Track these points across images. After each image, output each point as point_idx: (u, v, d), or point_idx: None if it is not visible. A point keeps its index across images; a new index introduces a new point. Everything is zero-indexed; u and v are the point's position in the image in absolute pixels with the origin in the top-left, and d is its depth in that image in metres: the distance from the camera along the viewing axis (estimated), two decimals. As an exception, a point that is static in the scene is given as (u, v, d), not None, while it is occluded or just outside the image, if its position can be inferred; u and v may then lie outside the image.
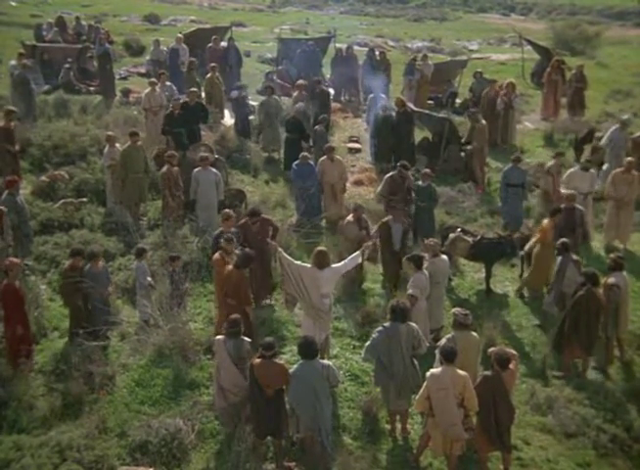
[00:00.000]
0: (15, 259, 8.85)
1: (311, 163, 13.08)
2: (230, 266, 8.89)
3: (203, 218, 12.00)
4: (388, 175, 12.51)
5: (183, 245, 11.28)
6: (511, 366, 7.28)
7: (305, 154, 13.16)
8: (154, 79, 16.33)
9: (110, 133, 13.09)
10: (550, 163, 13.46)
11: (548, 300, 10.13)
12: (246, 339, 7.76)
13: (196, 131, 14.75)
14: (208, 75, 17.67)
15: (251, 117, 17.09)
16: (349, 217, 11.07)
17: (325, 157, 13.02)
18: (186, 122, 14.43)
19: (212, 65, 18.02)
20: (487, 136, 15.38)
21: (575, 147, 16.57)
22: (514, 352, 7.62)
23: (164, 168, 12.17)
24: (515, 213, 12.76)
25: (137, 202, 12.77)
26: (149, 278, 9.80)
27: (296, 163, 13.01)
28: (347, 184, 15.16)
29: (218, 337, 7.83)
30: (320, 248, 9.17)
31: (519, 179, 12.77)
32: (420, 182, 12.13)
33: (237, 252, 9.22)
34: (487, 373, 7.28)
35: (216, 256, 9.25)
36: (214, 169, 12.30)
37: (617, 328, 9.35)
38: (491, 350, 7.47)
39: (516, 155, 13.44)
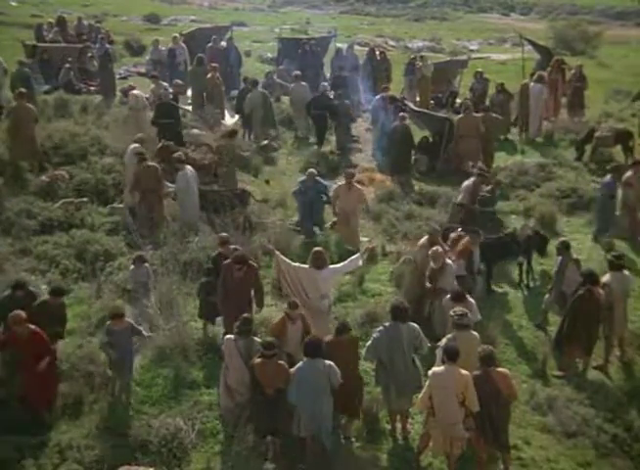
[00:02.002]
0: (18, 313, 7.76)
1: (318, 178, 12.40)
2: (330, 336, 7.86)
3: (181, 216, 12.15)
4: (468, 183, 12.14)
5: (183, 245, 11.27)
6: (502, 370, 7.30)
7: (312, 171, 12.56)
8: (132, 84, 17.36)
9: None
10: (628, 173, 12.80)
11: (548, 299, 10.13)
12: (256, 339, 7.75)
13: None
14: (209, 75, 17.67)
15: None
16: (423, 240, 10.18)
17: (343, 183, 12.27)
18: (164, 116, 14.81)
19: (214, 65, 18.03)
20: (477, 128, 15.26)
21: (577, 147, 16.59)
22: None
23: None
24: (611, 222, 12.61)
25: None
26: (131, 286, 9.84)
27: (301, 179, 12.62)
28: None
29: (229, 336, 7.83)
30: (317, 248, 9.17)
31: (615, 190, 12.62)
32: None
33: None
34: (476, 372, 7.28)
35: (279, 319, 8.32)
36: (190, 167, 12.32)
37: (612, 327, 9.32)
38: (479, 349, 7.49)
39: (613, 165, 13.44)
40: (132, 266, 10.02)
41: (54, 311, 8.33)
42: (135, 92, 16.26)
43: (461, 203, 12.09)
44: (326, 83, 17.68)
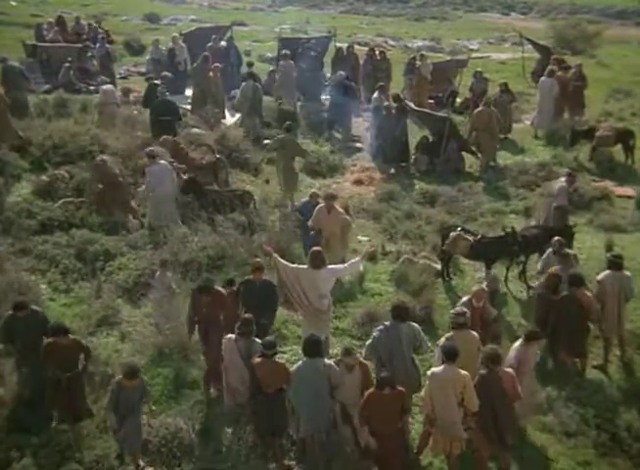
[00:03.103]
0: None
1: (320, 200, 11.42)
2: (371, 390, 7.13)
3: (153, 214, 12.15)
4: (562, 185, 12.06)
5: (183, 244, 11.28)
6: (508, 370, 7.29)
7: (315, 191, 11.90)
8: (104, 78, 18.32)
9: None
10: None
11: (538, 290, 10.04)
12: (256, 340, 7.76)
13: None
14: (210, 75, 17.66)
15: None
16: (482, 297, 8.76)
17: (323, 204, 10.97)
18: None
19: (216, 65, 18.03)
20: (486, 122, 15.69)
21: (571, 142, 16.55)
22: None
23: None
24: None
25: None
26: (157, 292, 9.60)
27: (304, 200, 11.97)
28: (347, 183, 15.20)
29: (229, 335, 7.83)
30: (315, 248, 9.18)
31: None
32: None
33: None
34: (483, 372, 7.28)
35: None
36: (164, 161, 12.31)
37: (603, 326, 9.32)
38: (483, 348, 7.48)
39: None
40: (158, 272, 9.78)
41: (68, 352, 7.71)
42: (105, 87, 16.65)
43: (560, 205, 12.07)
44: (343, 73, 18.39)
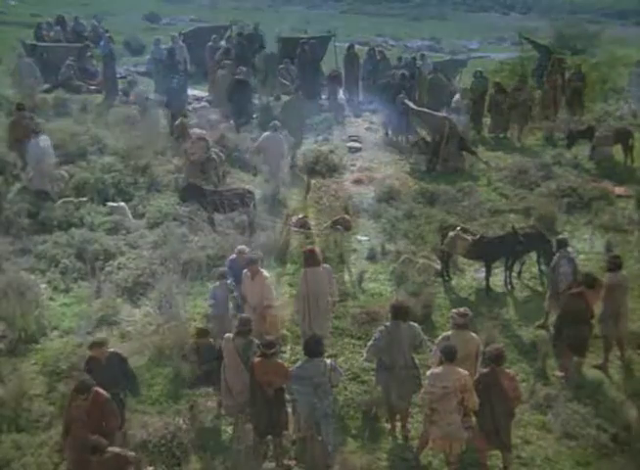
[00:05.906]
0: None
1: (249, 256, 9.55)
2: None
3: (38, 181, 13.00)
4: None
5: (183, 244, 11.28)
6: (510, 372, 7.28)
7: (242, 248, 9.77)
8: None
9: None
10: None
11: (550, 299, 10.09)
12: (255, 340, 7.75)
13: None
14: (212, 77, 17.71)
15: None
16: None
17: (246, 270, 9.13)
18: None
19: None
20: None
21: (569, 142, 16.54)
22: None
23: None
24: None
25: None
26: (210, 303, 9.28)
27: (231, 257, 10.11)
28: (347, 183, 15.17)
29: (228, 335, 7.83)
30: (310, 247, 9.20)
31: None
32: None
33: None
34: (483, 370, 7.28)
35: None
36: (44, 136, 13.03)
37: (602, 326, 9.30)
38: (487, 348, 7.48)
39: None
40: (216, 283, 9.28)
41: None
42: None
43: None
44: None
